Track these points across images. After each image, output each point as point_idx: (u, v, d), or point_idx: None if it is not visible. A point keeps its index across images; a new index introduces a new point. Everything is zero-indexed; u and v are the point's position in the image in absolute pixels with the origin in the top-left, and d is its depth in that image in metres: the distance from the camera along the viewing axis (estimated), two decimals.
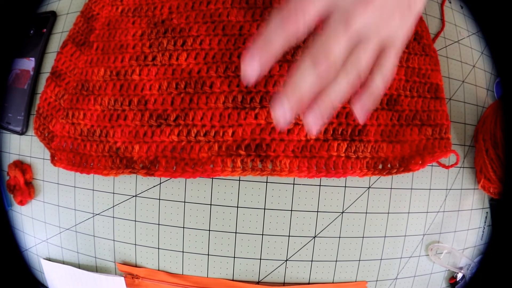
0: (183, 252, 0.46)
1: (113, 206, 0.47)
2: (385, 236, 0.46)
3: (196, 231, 0.45)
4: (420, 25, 0.47)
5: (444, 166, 0.44)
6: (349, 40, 0.29)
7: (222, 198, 0.44)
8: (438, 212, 0.48)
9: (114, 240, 0.47)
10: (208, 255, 0.45)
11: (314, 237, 0.45)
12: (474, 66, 0.51)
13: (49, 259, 0.51)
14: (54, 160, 0.46)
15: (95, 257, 0.49)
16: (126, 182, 0.46)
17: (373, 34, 0.30)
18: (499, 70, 0.31)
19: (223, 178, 0.44)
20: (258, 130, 0.42)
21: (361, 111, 0.33)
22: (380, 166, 0.42)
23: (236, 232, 0.45)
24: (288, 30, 0.29)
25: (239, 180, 0.44)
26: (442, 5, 0.51)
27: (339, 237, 0.45)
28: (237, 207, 0.44)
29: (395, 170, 0.42)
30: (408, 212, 0.46)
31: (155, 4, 0.47)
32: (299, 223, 0.44)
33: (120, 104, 0.44)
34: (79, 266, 0.50)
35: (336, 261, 0.45)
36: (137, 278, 0.47)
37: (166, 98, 0.43)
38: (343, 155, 0.42)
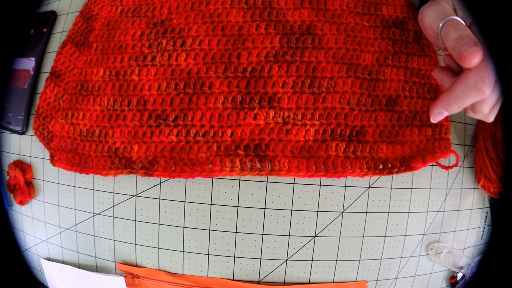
0: (183, 251, 0.46)
1: (113, 206, 0.47)
2: (385, 236, 0.46)
3: (196, 231, 0.45)
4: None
5: (444, 167, 0.44)
6: None
7: (223, 198, 0.44)
8: (438, 211, 0.48)
9: (114, 240, 0.47)
10: (208, 254, 0.45)
11: (314, 237, 0.45)
12: None
13: (49, 259, 0.51)
14: (53, 160, 0.46)
15: (95, 257, 0.49)
16: (126, 182, 0.46)
17: None
18: (498, 70, 0.31)
19: (223, 178, 0.44)
20: (257, 130, 0.42)
21: None
22: (381, 166, 0.42)
23: (236, 232, 0.45)
24: None
25: (239, 180, 0.44)
26: None
27: (339, 236, 0.45)
28: (237, 206, 0.44)
29: (396, 170, 0.42)
30: (408, 212, 0.46)
31: (155, 4, 0.47)
32: (299, 222, 0.44)
33: (119, 104, 0.44)
34: (79, 266, 0.50)
35: (336, 260, 0.45)
36: (137, 277, 0.47)
37: (165, 98, 0.43)
38: (341, 155, 0.42)
